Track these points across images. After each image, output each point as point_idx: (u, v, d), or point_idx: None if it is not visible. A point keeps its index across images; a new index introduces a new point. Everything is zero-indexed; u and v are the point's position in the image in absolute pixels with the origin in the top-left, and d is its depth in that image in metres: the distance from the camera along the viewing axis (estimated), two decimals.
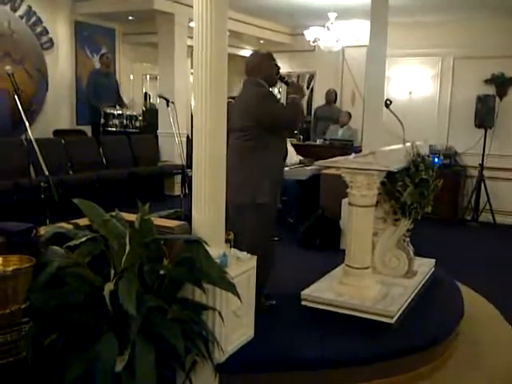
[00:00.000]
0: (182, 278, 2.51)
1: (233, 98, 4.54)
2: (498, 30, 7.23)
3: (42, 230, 2.58)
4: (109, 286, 2.18)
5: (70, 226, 2.62)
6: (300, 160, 6.49)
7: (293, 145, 6.87)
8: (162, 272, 2.45)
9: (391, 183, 3.60)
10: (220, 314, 2.55)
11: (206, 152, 2.68)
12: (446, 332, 3.32)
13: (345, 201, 4.32)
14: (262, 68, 3.37)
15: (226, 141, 2.80)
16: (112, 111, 7.56)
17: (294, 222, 5.91)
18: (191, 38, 2.71)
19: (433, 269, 4.24)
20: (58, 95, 7.74)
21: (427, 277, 4.03)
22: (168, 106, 4.98)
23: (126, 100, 8.12)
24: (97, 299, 2.20)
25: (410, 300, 3.50)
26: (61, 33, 7.75)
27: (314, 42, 7.67)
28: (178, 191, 7.24)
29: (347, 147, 7.04)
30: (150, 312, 2.27)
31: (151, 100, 10.11)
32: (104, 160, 7.02)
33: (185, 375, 2.45)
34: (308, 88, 10.29)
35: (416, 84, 8.01)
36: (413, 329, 3.22)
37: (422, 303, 3.61)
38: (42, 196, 3.25)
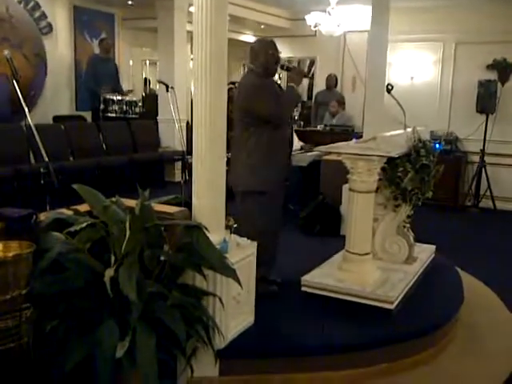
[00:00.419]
0: (182, 263, 2.51)
1: (233, 83, 4.54)
2: (500, 15, 7.15)
3: (42, 216, 2.58)
4: (109, 272, 2.19)
5: (70, 212, 2.62)
6: (301, 146, 6.47)
7: (294, 130, 6.84)
8: (162, 258, 2.45)
9: (392, 169, 3.59)
10: (220, 299, 2.56)
11: (205, 138, 2.67)
12: (446, 317, 3.33)
13: (345, 187, 4.31)
14: (260, 56, 3.36)
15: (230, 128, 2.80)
16: (112, 97, 7.53)
17: (295, 208, 5.91)
18: (191, 23, 2.69)
19: (433, 255, 4.25)
20: (58, 80, 7.70)
21: (427, 263, 4.04)
22: (168, 91, 4.94)
23: (125, 88, 8.06)
24: (97, 285, 2.21)
25: (410, 286, 3.51)
26: (59, 17, 7.69)
27: (314, 27, 7.61)
28: (178, 177, 7.22)
29: (348, 133, 7.02)
30: (150, 298, 2.27)
31: (151, 85, 10.05)
32: (104, 146, 7.00)
33: (185, 361, 2.46)
34: (309, 73, 10.23)
35: (417, 69, 7.95)
36: (413, 314, 3.23)
37: (422, 289, 3.62)
38: (42, 182, 3.23)
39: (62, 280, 2.26)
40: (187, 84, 7.89)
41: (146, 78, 10.15)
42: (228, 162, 2.92)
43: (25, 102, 3.65)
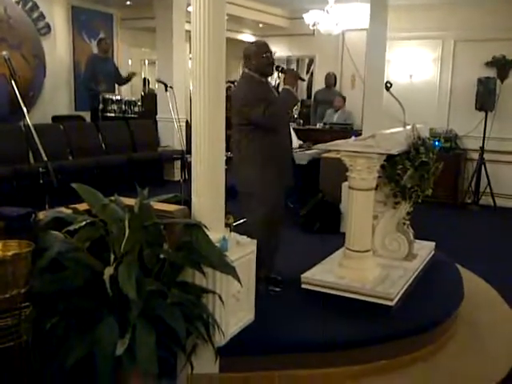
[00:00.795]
0: (181, 261, 2.51)
1: (232, 82, 4.54)
2: (499, 12, 7.15)
3: (41, 215, 2.58)
4: (109, 270, 2.19)
5: (69, 211, 2.62)
6: (300, 144, 6.47)
7: (293, 129, 6.86)
8: (161, 256, 2.45)
9: (391, 166, 3.59)
10: (220, 297, 2.56)
11: (204, 137, 2.67)
12: (445, 314, 3.33)
13: (345, 184, 4.31)
14: (253, 60, 3.37)
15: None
16: (111, 96, 7.53)
17: (295, 206, 5.91)
18: (190, 22, 2.68)
19: (433, 252, 4.25)
20: (56, 81, 7.69)
21: (427, 260, 4.04)
22: (166, 90, 4.94)
23: (124, 92, 8.06)
24: (97, 283, 2.21)
25: (409, 283, 3.51)
26: (58, 18, 7.68)
27: (313, 26, 7.60)
28: (177, 176, 7.23)
29: (347, 131, 7.03)
30: (150, 296, 2.27)
31: (150, 85, 10.05)
32: (103, 145, 7.00)
33: (185, 358, 2.46)
34: (307, 72, 10.24)
35: (416, 67, 7.95)
36: (413, 311, 3.23)
37: (422, 286, 3.62)
38: (41, 181, 3.23)
39: (62, 279, 2.26)
40: (186, 83, 7.88)
41: (145, 78, 10.15)
42: (227, 161, 2.93)
43: (24, 102, 3.65)
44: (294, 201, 6.06)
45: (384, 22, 5.00)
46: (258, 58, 3.34)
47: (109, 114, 7.51)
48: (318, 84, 9.02)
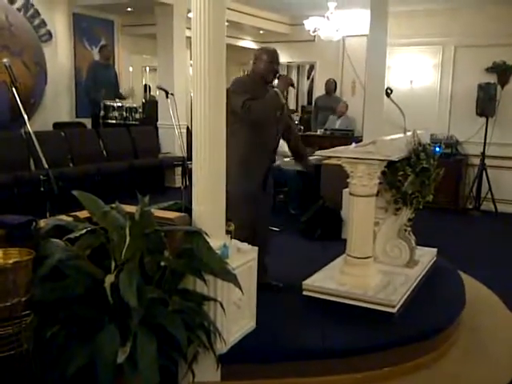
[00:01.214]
0: (182, 269, 2.50)
1: None
2: (499, 18, 7.17)
3: (42, 223, 2.58)
4: (109, 278, 2.18)
5: (69, 219, 2.62)
6: None
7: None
8: (162, 263, 2.44)
9: (392, 173, 3.59)
10: (221, 304, 2.55)
11: (205, 143, 2.67)
12: (448, 321, 3.32)
13: (346, 191, 4.30)
14: (259, 63, 3.48)
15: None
16: (112, 103, 7.55)
17: (296, 213, 5.91)
18: (190, 29, 2.69)
19: (434, 258, 4.24)
20: (58, 88, 7.71)
21: (429, 266, 4.03)
22: (167, 97, 4.94)
23: (123, 92, 8.08)
24: (98, 291, 2.20)
25: (411, 289, 3.50)
26: (59, 25, 7.71)
27: (313, 32, 7.63)
28: (178, 183, 7.23)
29: (348, 137, 7.04)
30: (151, 303, 2.27)
31: (151, 92, 10.08)
32: (104, 152, 7.01)
33: (187, 366, 2.45)
34: (308, 78, 10.27)
35: (417, 73, 7.96)
36: (415, 318, 3.22)
37: (424, 292, 3.60)
38: (42, 189, 3.23)
39: (62, 287, 2.26)
40: (187, 90, 7.90)
41: (145, 85, 10.18)
42: None
43: (25, 109, 3.65)
44: (294, 207, 6.07)
45: (384, 29, 5.01)
46: (264, 63, 3.44)
47: (110, 121, 7.53)
48: (319, 90, 9.03)
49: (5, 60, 3.97)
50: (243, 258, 2.81)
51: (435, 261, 4.21)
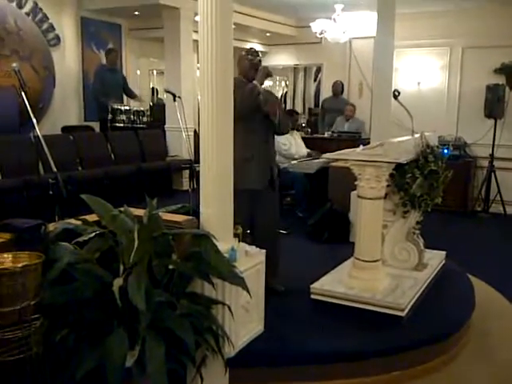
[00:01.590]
0: (190, 272, 2.50)
1: None
2: (507, 18, 7.14)
3: (51, 227, 2.59)
4: (118, 282, 2.18)
5: (78, 222, 2.62)
6: (308, 153, 6.47)
7: (302, 138, 6.87)
8: (170, 267, 2.44)
9: (400, 175, 3.57)
10: (229, 308, 2.55)
11: (213, 146, 2.67)
12: (457, 324, 3.30)
13: (354, 193, 4.29)
14: (240, 66, 3.58)
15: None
16: (119, 107, 7.59)
17: (303, 215, 5.90)
18: (197, 32, 2.70)
19: (443, 261, 4.21)
20: (66, 91, 7.76)
21: (438, 269, 4.01)
22: (175, 100, 4.97)
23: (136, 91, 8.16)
24: (106, 295, 2.20)
25: (420, 293, 3.48)
26: (67, 29, 7.76)
27: (320, 34, 7.63)
28: (186, 186, 7.25)
29: (355, 139, 7.02)
30: (159, 307, 2.27)
31: (158, 95, 10.11)
32: (112, 155, 7.04)
33: (195, 370, 2.45)
34: (315, 81, 10.26)
35: (424, 75, 7.94)
36: (424, 321, 3.20)
37: (433, 296, 3.58)
38: (51, 192, 3.25)
39: (71, 290, 2.26)
40: (194, 93, 7.93)
41: (153, 88, 10.21)
42: None
43: (34, 113, 3.69)
44: (302, 210, 6.06)
45: (391, 30, 4.99)
46: (245, 62, 3.55)
47: (118, 124, 7.56)
48: (326, 92, 9.02)
49: (14, 65, 4.01)
50: (251, 261, 2.81)
51: (444, 264, 4.19)
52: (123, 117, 7.61)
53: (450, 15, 7.49)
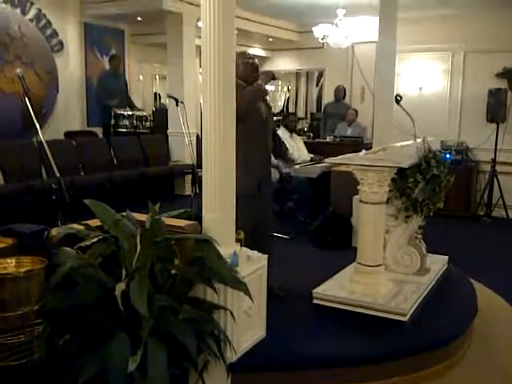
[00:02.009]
0: (193, 277, 2.51)
1: None
2: (509, 23, 7.15)
3: (54, 231, 2.60)
4: (120, 287, 2.19)
5: (81, 227, 2.63)
6: (311, 157, 6.47)
7: (304, 142, 6.87)
8: (173, 272, 2.45)
9: (402, 180, 3.57)
10: (231, 313, 2.55)
11: (215, 151, 2.68)
12: (460, 329, 3.29)
13: (356, 198, 4.30)
14: (239, 70, 3.44)
15: None
16: (122, 112, 7.61)
17: (305, 220, 5.90)
18: (200, 37, 2.72)
19: (446, 266, 4.21)
20: (69, 97, 7.79)
21: (440, 274, 4.00)
22: (177, 105, 4.98)
23: (135, 102, 8.18)
24: (109, 300, 2.21)
25: (423, 297, 3.48)
26: (70, 35, 7.80)
27: (322, 39, 7.64)
28: (188, 191, 7.26)
29: (357, 144, 7.03)
30: (161, 312, 2.27)
31: (161, 100, 10.15)
32: (115, 160, 7.06)
33: (197, 375, 2.45)
34: (317, 85, 10.28)
35: (426, 79, 7.95)
36: (426, 326, 3.19)
37: (436, 300, 3.58)
38: (54, 197, 3.26)
39: (74, 295, 2.27)
40: (196, 98, 7.95)
41: (155, 93, 10.25)
42: None
43: (37, 119, 3.70)
44: (304, 214, 6.06)
45: (393, 35, 5.00)
46: (244, 65, 3.51)
47: (120, 130, 7.59)
48: (328, 97, 9.04)
49: (18, 70, 4.05)
50: (253, 266, 2.81)
51: (446, 268, 4.18)
52: (126, 122, 7.64)
53: (452, 20, 7.50)
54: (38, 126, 3.74)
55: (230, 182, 2.75)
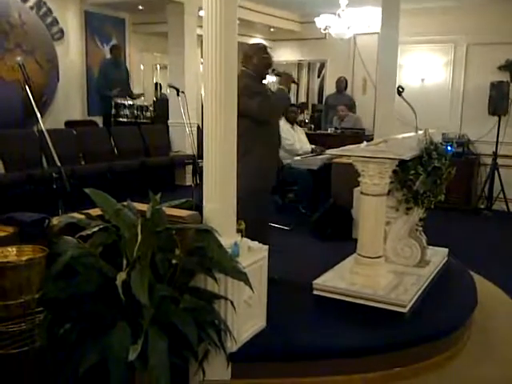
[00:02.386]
0: (193, 267, 2.51)
1: None
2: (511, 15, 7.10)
3: (55, 220, 2.60)
4: (121, 276, 2.19)
5: (82, 216, 2.63)
6: (312, 148, 6.45)
7: (306, 134, 6.86)
8: (174, 261, 2.45)
9: (403, 171, 3.57)
10: (232, 303, 2.55)
11: (216, 142, 2.67)
12: (459, 321, 3.30)
13: (357, 190, 4.29)
14: (253, 60, 3.54)
15: None
16: (123, 102, 7.59)
17: (306, 212, 5.90)
18: (201, 27, 2.70)
19: (446, 258, 4.21)
20: (70, 86, 7.77)
21: (440, 266, 4.00)
22: (178, 95, 4.96)
23: (135, 91, 8.14)
24: (109, 289, 2.21)
25: (422, 289, 3.48)
26: (71, 23, 7.76)
27: (324, 30, 7.61)
28: (188, 181, 7.26)
29: (358, 136, 7.01)
30: (162, 301, 2.27)
31: (162, 90, 10.11)
32: (116, 150, 7.05)
33: (197, 364, 2.46)
34: (319, 77, 10.24)
35: (428, 71, 7.91)
36: (426, 318, 3.20)
37: (435, 292, 3.58)
38: (54, 186, 3.25)
39: (75, 284, 2.27)
40: (198, 88, 7.92)
41: (156, 83, 10.21)
42: None
43: (37, 107, 3.68)
44: (305, 206, 6.06)
45: (396, 26, 4.98)
46: (259, 59, 3.51)
47: (121, 119, 7.57)
48: (329, 88, 9.01)
49: (18, 58, 4.02)
50: (254, 256, 2.81)
51: (447, 261, 4.19)
52: (126, 112, 7.62)
53: (455, 11, 7.45)
54: (38, 114, 3.72)
55: (230, 172, 2.74)
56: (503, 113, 7.06)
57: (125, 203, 2.65)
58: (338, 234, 5.01)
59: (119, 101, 7.54)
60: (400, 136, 4.01)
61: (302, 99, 10.43)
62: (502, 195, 7.14)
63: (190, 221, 2.77)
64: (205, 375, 2.50)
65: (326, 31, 7.62)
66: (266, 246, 2.93)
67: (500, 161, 7.15)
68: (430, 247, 4.03)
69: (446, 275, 3.95)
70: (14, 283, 2.20)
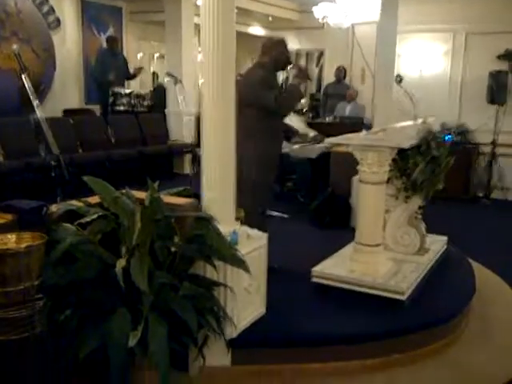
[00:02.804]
0: (192, 254, 2.51)
1: (241, 75, 4.55)
2: (511, 4, 7.06)
3: (54, 208, 2.59)
4: (120, 263, 2.19)
5: (80, 204, 2.63)
6: (314, 135, 6.41)
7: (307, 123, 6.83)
8: (173, 249, 2.45)
9: (402, 160, 3.56)
10: (231, 290, 2.56)
11: (214, 130, 2.66)
12: (457, 308, 3.31)
13: (355, 178, 4.29)
14: (272, 52, 3.58)
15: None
16: (120, 90, 7.55)
17: (304, 200, 5.90)
18: (199, 15, 2.68)
19: (445, 246, 4.22)
20: (66, 75, 7.73)
21: (439, 254, 4.01)
22: (176, 84, 4.95)
23: (132, 71, 8.05)
24: (109, 276, 2.22)
25: (421, 277, 3.49)
26: (67, 12, 7.71)
27: (323, 19, 7.56)
28: (187, 170, 7.25)
29: (357, 124, 6.99)
30: (161, 288, 2.28)
31: (159, 79, 10.06)
32: (113, 139, 7.03)
33: (197, 350, 2.47)
34: (317, 66, 10.20)
35: (427, 60, 7.88)
36: (425, 305, 3.22)
37: (434, 280, 3.60)
38: (53, 174, 3.25)
39: (74, 271, 2.27)
40: (195, 76, 7.88)
41: (154, 72, 10.16)
42: None
43: (34, 96, 3.66)
44: (303, 194, 6.06)
45: (394, 15, 4.94)
46: (278, 53, 3.56)
47: (118, 108, 7.54)
48: (328, 78, 8.97)
49: (14, 47, 3.99)
50: (253, 244, 2.81)
51: (446, 249, 4.20)
52: (124, 100, 7.58)
53: (454, 0, 7.41)
54: (35, 103, 3.70)
55: (229, 160, 2.73)
56: (502, 102, 7.05)
57: (123, 191, 2.64)
58: (336, 223, 5.02)
59: (116, 89, 7.50)
60: (399, 125, 4.00)
61: (301, 88, 10.38)
62: (500, 184, 7.15)
63: (188, 209, 2.76)
64: (205, 361, 2.52)
65: (324, 20, 7.57)
66: (266, 234, 2.94)
67: (498, 150, 7.15)
68: (429, 235, 4.04)
69: (445, 263, 3.97)
70: (14, 270, 2.20)
